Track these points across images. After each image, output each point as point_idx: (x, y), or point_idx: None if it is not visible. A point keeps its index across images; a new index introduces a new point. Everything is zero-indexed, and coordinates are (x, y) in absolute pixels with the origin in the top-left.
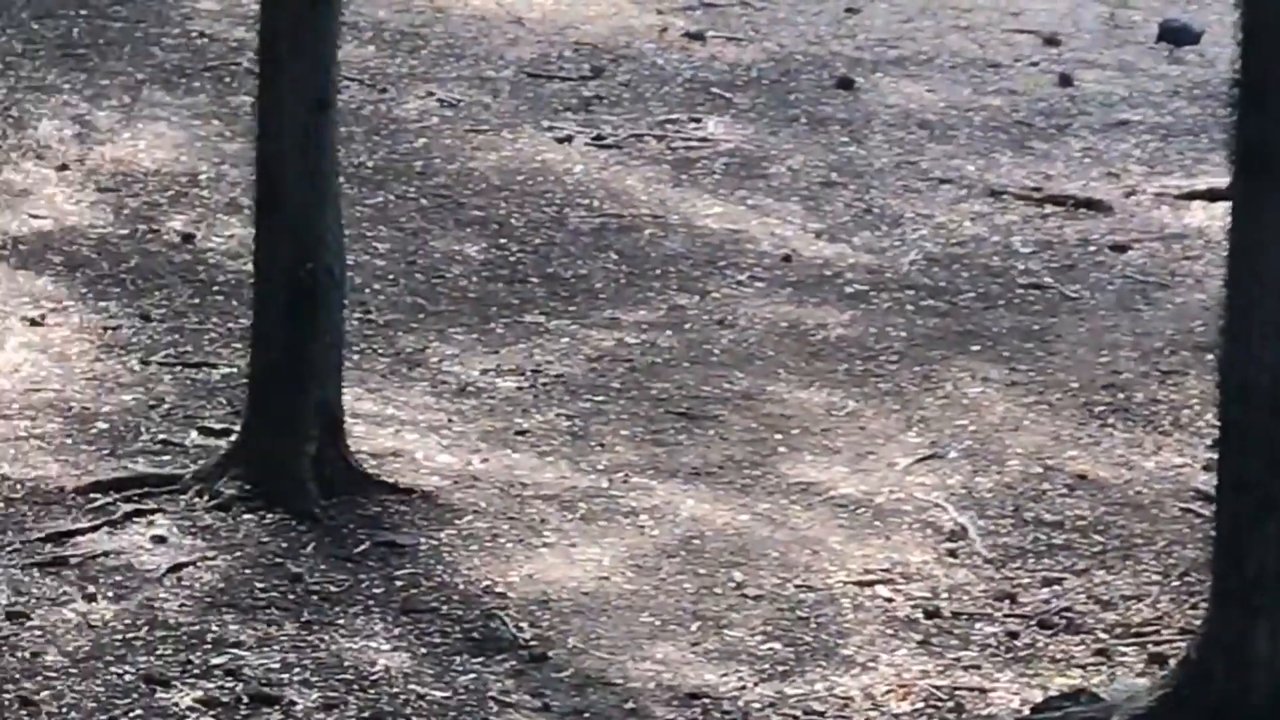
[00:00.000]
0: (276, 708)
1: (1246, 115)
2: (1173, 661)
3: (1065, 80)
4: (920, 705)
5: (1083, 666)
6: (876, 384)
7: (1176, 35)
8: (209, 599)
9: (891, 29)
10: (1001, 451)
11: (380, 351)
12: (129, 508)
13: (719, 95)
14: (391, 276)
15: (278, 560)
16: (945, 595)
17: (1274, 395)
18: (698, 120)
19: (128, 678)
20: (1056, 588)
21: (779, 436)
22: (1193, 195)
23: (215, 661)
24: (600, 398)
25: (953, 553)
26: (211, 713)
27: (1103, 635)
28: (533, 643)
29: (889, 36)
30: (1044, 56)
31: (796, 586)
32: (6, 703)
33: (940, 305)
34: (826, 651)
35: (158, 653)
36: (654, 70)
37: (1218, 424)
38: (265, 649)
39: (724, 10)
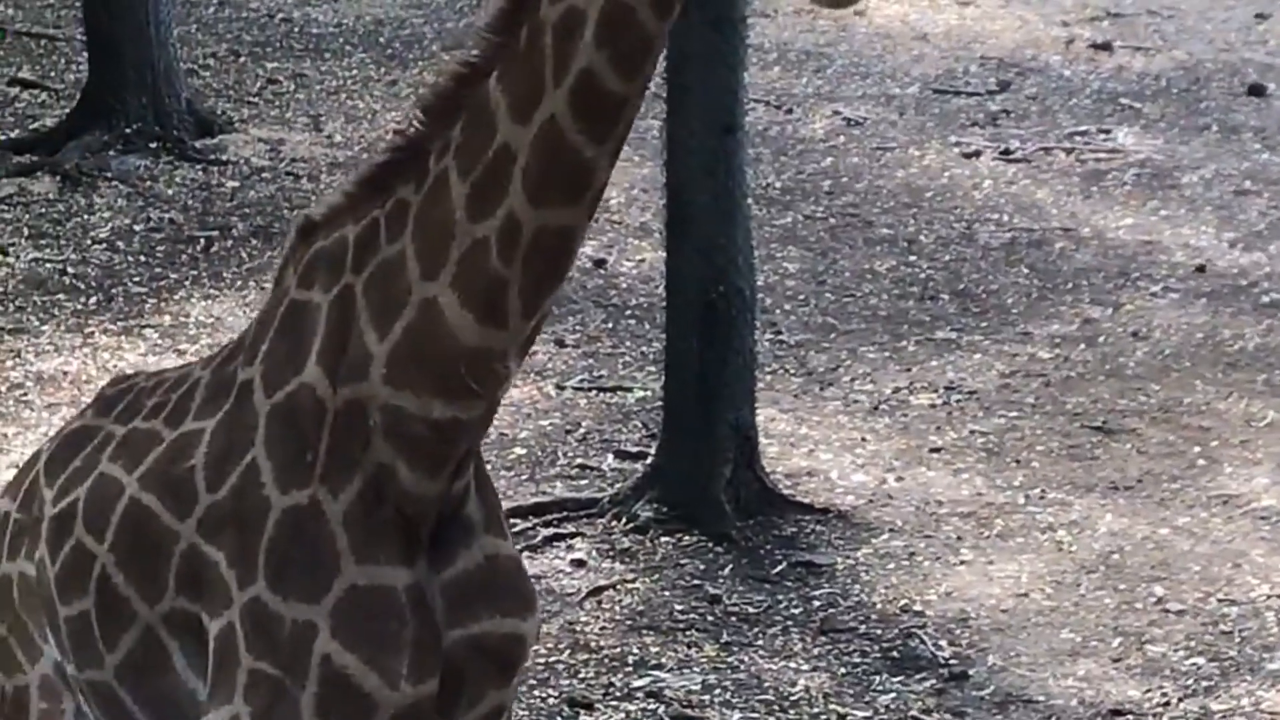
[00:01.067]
0: None
1: None
2: None
3: None
4: None
5: None
6: None
7: None
8: (629, 621)
9: None
10: None
11: (792, 371)
12: (548, 532)
13: (1128, 106)
14: (802, 296)
15: (696, 582)
16: None
17: None
18: (1107, 131)
19: (551, 700)
20: None
21: (1198, 449)
22: None
23: (637, 683)
24: (1014, 413)
25: None
26: None
27: None
28: (952, 661)
29: None
30: None
31: (1219, 600)
32: None
33: None
34: (1251, 666)
35: (580, 675)
36: (1061, 82)
37: None
38: (686, 670)
39: (1131, 20)
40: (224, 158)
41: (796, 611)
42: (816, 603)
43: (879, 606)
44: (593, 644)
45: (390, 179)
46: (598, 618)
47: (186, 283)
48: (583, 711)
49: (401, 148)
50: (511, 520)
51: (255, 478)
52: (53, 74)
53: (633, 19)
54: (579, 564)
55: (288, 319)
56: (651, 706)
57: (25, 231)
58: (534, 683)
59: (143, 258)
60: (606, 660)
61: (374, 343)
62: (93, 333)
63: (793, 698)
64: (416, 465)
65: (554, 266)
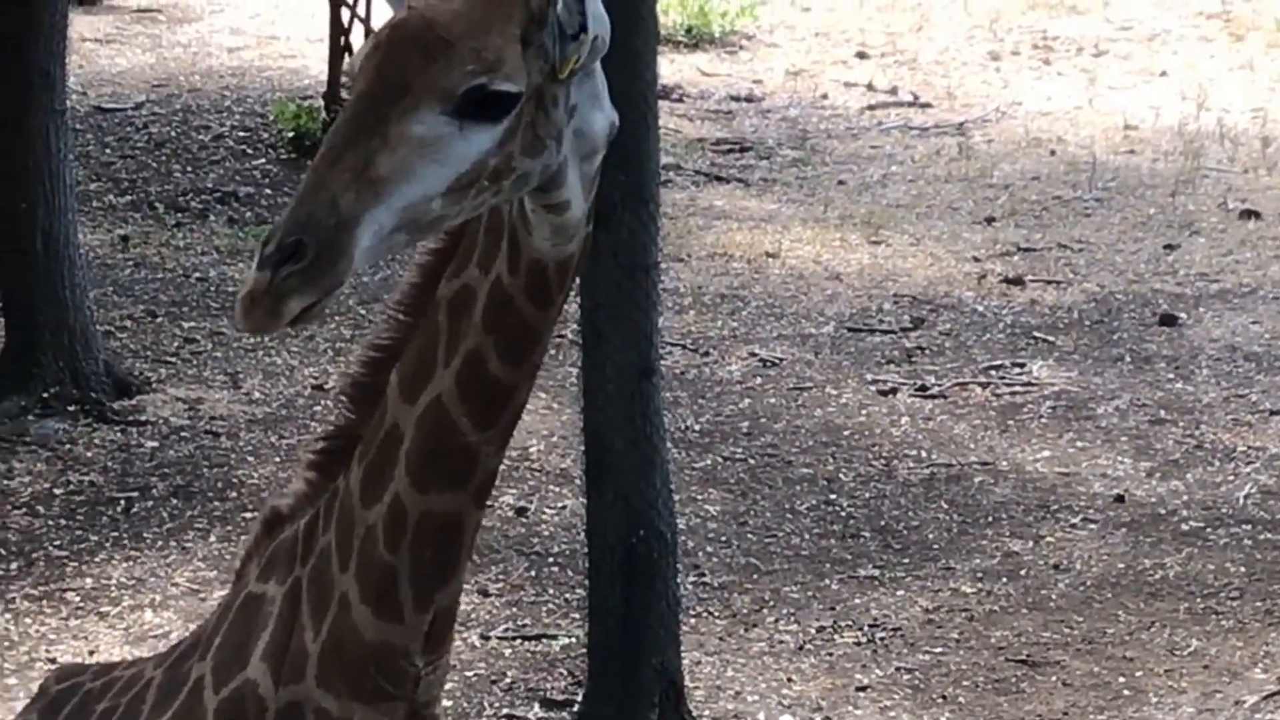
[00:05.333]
0: None
1: None
2: None
3: None
4: None
5: None
6: (1219, 621)
7: None
8: None
9: (1212, 263)
10: None
11: (716, 613)
12: None
13: (1041, 339)
14: (724, 537)
15: None
16: None
17: None
18: (1021, 365)
19: None
20: None
21: (1122, 679)
22: None
23: None
24: (939, 649)
25: None
26: None
27: None
28: None
29: (1209, 270)
30: None
31: None
32: None
33: (1279, 539)
34: None
35: None
36: (975, 317)
37: None
38: None
39: (1042, 254)
40: (142, 418)
41: None
42: None
43: None
44: None
45: (333, 465)
46: None
47: (107, 544)
48: None
49: (334, 435)
50: None
51: None
52: None
53: (513, 307)
54: None
55: (241, 612)
56: None
57: None
58: None
59: (63, 521)
60: None
61: (310, 640)
62: (14, 598)
63: None
64: None
65: (442, 556)
